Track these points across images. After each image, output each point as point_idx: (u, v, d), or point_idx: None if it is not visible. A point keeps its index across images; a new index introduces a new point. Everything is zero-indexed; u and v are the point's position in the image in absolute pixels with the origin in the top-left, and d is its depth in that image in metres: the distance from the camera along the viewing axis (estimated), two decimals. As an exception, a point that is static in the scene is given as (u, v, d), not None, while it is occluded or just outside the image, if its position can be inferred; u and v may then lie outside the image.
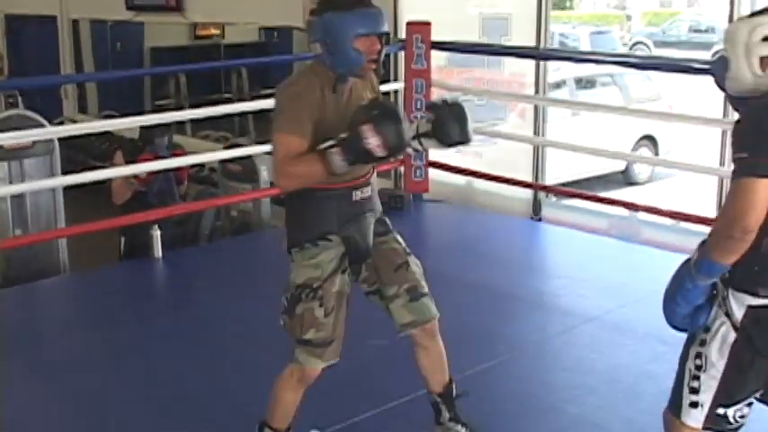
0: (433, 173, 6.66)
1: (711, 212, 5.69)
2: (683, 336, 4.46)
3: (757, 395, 2.51)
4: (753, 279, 2.40)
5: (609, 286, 5.08)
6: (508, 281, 5.14)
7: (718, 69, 2.52)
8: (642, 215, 6.10)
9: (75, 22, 12.31)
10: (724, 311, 2.47)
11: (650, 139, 11.92)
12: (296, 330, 3.06)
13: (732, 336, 2.44)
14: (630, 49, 24.18)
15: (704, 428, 2.53)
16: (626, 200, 6.06)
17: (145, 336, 4.50)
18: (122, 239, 6.04)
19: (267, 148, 6.84)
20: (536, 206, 6.45)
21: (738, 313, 2.43)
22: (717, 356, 2.49)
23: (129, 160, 5.90)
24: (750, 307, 2.40)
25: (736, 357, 2.44)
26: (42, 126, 6.50)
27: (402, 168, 6.81)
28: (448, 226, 6.34)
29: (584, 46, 19.64)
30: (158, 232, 5.61)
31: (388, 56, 7.80)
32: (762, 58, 2.36)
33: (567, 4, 29.28)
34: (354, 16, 2.85)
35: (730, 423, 2.51)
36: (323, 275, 2.99)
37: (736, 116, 5.59)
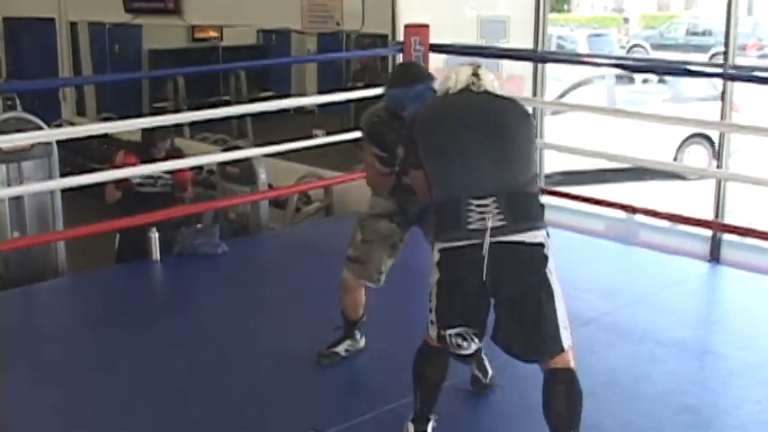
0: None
1: (708, 215, 5.70)
2: (682, 338, 4.50)
3: (472, 334, 3.05)
4: (439, 229, 3.06)
5: (606, 288, 5.09)
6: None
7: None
8: (640, 217, 6.11)
9: (73, 25, 12.31)
10: (433, 258, 3.10)
11: (705, 138, 11.53)
12: (348, 246, 3.95)
13: (437, 275, 3.07)
14: (628, 51, 24.17)
15: (437, 341, 3.13)
16: (623, 202, 6.06)
17: (143, 338, 4.50)
18: (117, 236, 6.02)
19: (265, 150, 6.88)
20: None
21: (436, 257, 3.07)
22: (432, 288, 3.11)
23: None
24: (441, 251, 3.04)
25: (437, 290, 3.08)
26: (41, 129, 6.50)
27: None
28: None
29: (582, 48, 19.64)
30: (156, 234, 5.61)
31: (385, 58, 7.83)
32: (445, 91, 3.31)
33: (565, 6, 29.29)
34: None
35: (448, 344, 3.09)
36: (370, 214, 3.90)
37: (734, 119, 5.60)
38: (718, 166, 5.76)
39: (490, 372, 3.82)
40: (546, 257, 3.03)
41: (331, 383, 3.99)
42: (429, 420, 3.34)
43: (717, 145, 5.72)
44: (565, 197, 6.40)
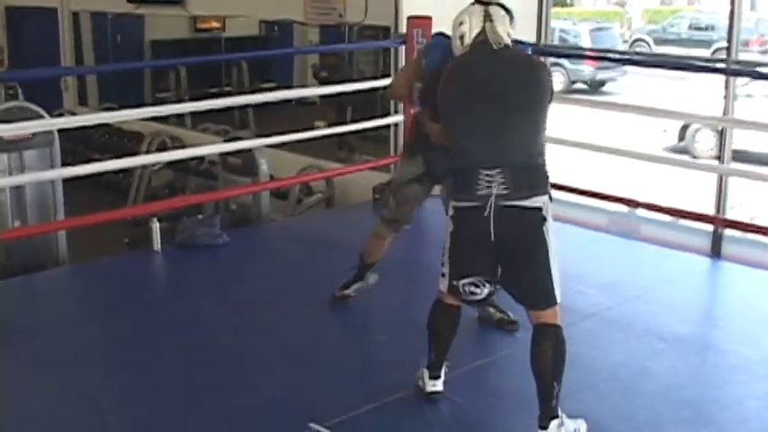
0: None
1: (710, 209, 5.69)
2: (683, 334, 4.51)
3: (484, 281, 3.36)
4: (454, 190, 3.42)
5: (608, 283, 5.08)
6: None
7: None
8: (641, 212, 6.10)
9: (75, 15, 12.28)
10: (447, 213, 3.48)
11: None
12: (382, 207, 4.50)
13: (451, 228, 3.42)
14: (631, 46, 24.16)
15: (448, 293, 3.47)
16: (625, 196, 6.05)
17: (143, 328, 4.50)
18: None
19: (267, 141, 6.87)
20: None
21: (451, 212, 3.43)
22: (445, 242, 3.45)
23: None
24: (455, 208, 3.39)
25: (451, 243, 3.43)
26: (42, 118, 6.49)
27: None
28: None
29: (585, 42, 19.64)
30: (157, 224, 5.60)
31: (388, 50, 7.81)
32: (460, 36, 3.52)
33: (568, 0, 29.26)
34: None
35: (461, 293, 3.41)
36: (402, 181, 4.29)
37: (736, 115, 5.63)
38: (719, 161, 5.76)
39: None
40: (544, 218, 3.35)
41: (332, 375, 3.99)
42: (442, 367, 3.66)
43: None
44: (566, 191, 6.39)
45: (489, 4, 3.54)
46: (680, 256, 5.61)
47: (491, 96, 3.34)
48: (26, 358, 4.17)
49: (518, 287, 3.40)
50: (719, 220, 5.60)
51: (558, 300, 3.35)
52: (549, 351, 3.31)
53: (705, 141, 13.72)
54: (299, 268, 5.40)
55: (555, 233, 3.37)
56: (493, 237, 3.27)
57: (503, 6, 3.63)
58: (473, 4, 3.56)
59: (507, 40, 3.49)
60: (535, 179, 3.36)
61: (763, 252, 5.53)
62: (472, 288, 3.38)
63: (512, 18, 3.63)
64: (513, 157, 3.31)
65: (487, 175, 3.28)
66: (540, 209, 3.34)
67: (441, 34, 4.00)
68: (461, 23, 3.52)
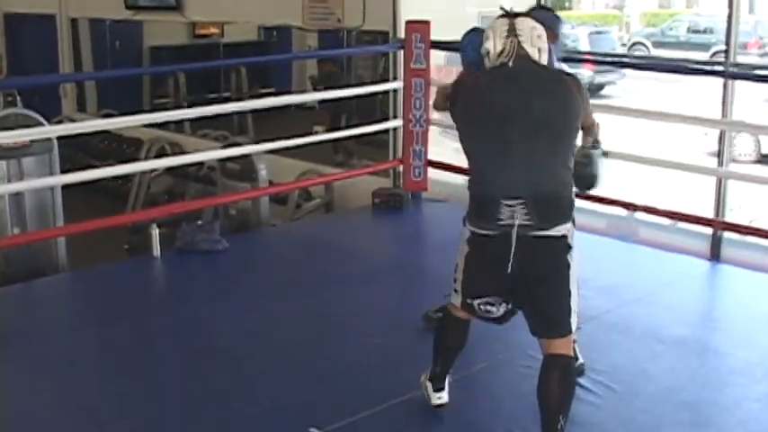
0: (432, 172, 6.66)
1: (709, 212, 5.69)
2: (682, 336, 4.51)
3: (501, 301, 3.27)
4: (470, 215, 3.29)
5: (607, 286, 5.09)
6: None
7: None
8: (640, 215, 6.10)
9: (74, 21, 12.29)
10: (463, 233, 3.35)
11: None
12: None
13: (466, 249, 3.32)
14: (629, 49, 24.18)
15: (461, 309, 3.39)
16: (624, 199, 6.05)
17: (143, 334, 4.50)
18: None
19: (266, 147, 6.87)
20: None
21: (467, 234, 3.31)
22: (458, 260, 3.37)
23: None
24: (472, 232, 3.28)
25: (466, 263, 3.33)
26: (41, 125, 6.48)
27: (401, 167, 6.81)
28: (446, 225, 6.29)
29: (584, 46, 19.66)
30: (157, 230, 5.61)
31: (386, 55, 7.83)
32: (486, 54, 3.20)
33: (567, 4, 29.29)
34: None
35: (475, 311, 3.34)
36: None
37: (735, 117, 5.64)
38: (719, 164, 5.76)
39: (580, 359, 3.89)
40: (568, 246, 3.21)
41: (331, 380, 3.99)
42: (445, 379, 3.62)
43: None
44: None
45: (517, 15, 3.21)
46: (679, 259, 5.61)
47: (509, 122, 3.10)
48: (26, 364, 4.17)
49: (533, 312, 3.25)
50: (718, 222, 5.61)
51: (573, 329, 3.22)
52: (555, 382, 3.18)
53: (743, 145, 13.56)
54: (298, 273, 5.40)
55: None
56: (512, 265, 3.14)
57: (537, 17, 3.28)
58: (501, 16, 3.23)
59: (535, 56, 3.16)
60: (559, 208, 3.18)
61: (762, 255, 5.53)
62: (488, 307, 3.28)
63: (552, 29, 3.40)
64: (535, 187, 3.12)
65: (508, 205, 3.12)
66: (564, 236, 3.19)
67: (474, 30, 3.73)
68: (487, 39, 3.19)
